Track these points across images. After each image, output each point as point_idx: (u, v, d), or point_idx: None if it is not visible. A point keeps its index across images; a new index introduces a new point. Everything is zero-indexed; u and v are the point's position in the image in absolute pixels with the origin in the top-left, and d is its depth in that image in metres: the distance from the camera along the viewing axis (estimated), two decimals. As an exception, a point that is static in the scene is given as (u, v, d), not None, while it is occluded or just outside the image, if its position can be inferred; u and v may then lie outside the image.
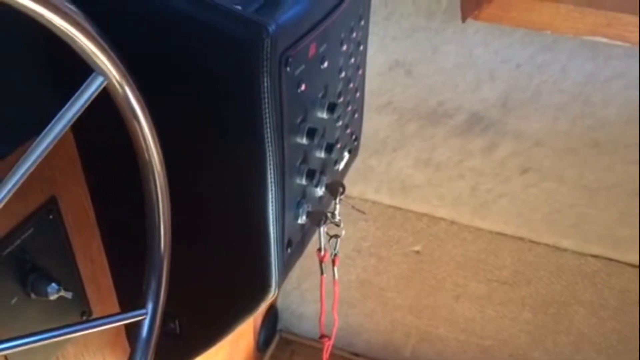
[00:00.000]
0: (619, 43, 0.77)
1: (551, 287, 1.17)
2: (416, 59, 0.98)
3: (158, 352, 0.55)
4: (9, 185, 0.38)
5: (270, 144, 0.51)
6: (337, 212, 0.70)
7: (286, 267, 0.63)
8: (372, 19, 0.74)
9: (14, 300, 0.56)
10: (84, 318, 0.67)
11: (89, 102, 0.40)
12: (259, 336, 1.34)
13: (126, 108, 0.43)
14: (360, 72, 0.74)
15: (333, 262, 0.74)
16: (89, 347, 0.70)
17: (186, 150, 0.54)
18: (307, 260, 0.72)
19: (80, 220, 0.64)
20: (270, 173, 0.53)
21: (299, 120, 0.56)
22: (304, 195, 0.63)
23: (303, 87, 0.54)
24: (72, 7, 0.36)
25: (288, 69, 0.50)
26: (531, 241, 1.13)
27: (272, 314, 1.40)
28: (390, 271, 1.29)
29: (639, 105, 0.90)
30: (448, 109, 1.02)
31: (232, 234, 0.59)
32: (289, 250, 0.62)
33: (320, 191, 0.65)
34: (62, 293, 0.59)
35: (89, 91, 0.40)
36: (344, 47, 0.64)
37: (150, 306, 0.53)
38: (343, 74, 0.66)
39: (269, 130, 0.50)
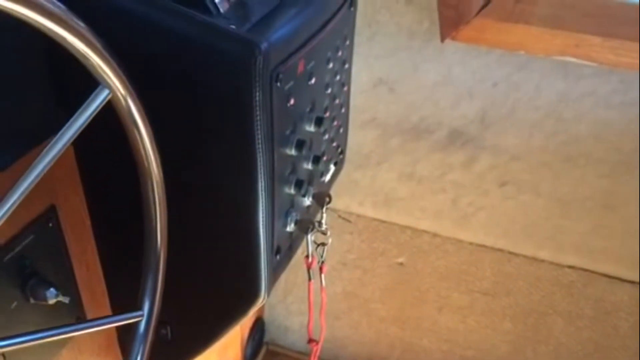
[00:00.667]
0: (587, 63, 0.82)
1: (530, 298, 1.21)
2: (399, 76, 1.02)
3: (150, 358, 0.57)
4: (15, 197, 0.40)
5: (261, 154, 0.54)
6: (323, 221, 0.73)
7: (275, 273, 0.66)
8: (356, 39, 0.78)
9: (13, 305, 0.59)
10: (79, 323, 0.69)
11: (94, 114, 0.43)
12: (246, 348, 1.36)
13: (128, 119, 0.46)
14: (345, 88, 0.78)
15: (320, 269, 0.77)
16: (83, 353, 0.72)
17: (181, 158, 0.57)
18: (292, 273, 0.75)
19: (78, 229, 0.66)
20: (261, 182, 0.56)
21: (288, 132, 0.59)
22: (292, 204, 0.66)
23: (292, 101, 0.58)
24: (81, 24, 0.40)
25: (278, 84, 0.53)
26: (510, 252, 1.16)
27: (258, 326, 1.42)
28: (375, 283, 1.32)
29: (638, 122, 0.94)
30: (429, 125, 1.06)
31: (223, 240, 0.62)
32: (277, 256, 0.65)
33: (307, 200, 0.68)
34: (60, 298, 0.61)
35: (95, 103, 0.43)
36: (330, 65, 0.68)
37: (146, 308, 0.55)
38: (329, 90, 0.70)
39: (260, 141, 0.54)
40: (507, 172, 1.07)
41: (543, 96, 0.97)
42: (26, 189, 0.40)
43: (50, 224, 0.62)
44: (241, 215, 0.59)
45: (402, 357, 1.42)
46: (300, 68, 0.58)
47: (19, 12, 0.35)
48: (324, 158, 0.72)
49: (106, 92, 0.43)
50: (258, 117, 0.52)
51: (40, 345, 0.47)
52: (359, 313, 1.38)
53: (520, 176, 1.06)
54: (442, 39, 0.90)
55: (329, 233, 0.74)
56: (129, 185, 0.51)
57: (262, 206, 0.58)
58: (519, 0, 0.90)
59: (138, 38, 0.52)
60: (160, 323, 0.58)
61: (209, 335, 0.71)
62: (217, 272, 0.65)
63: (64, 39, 0.39)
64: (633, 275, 1.10)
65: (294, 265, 0.73)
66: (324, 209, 0.73)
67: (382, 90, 1.05)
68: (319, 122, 0.64)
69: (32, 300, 0.60)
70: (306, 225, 0.69)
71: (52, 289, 0.60)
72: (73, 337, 0.67)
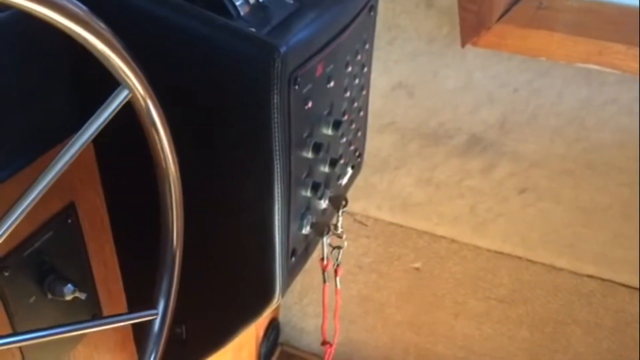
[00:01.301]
0: (610, 70, 0.81)
1: (548, 306, 1.19)
2: (418, 81, 1.02)
3: (164, 356, 0.58)
4: (34, 193, 0.41)
5: (278, 156, 0.55)
6: (339, 224, 0.73)
7: (290, 275, 0.66)
8: (376, 43, 0.78)
9: (32, 299, 0.60)
10: (96, 320, 0.70)
11: (114, 114, 0.44)
12: (260, 348, 1.36)
13: (147, 120, 0.47)
14: (364, 92, 0.78)
15: (335, 272, 0.77)
16: (99, 349, 0.73)
17: (199, 160, 0.57)
18: (308, 275, 0.75)
19: (96, 226, 0.67)
20: (278, 184, 0.56)
21: (305, 135, 0.59)
22: (308, 207, 0.66)
23: (310, 104, 0.58)
24: (103, 25, 0.40)
25: (296, 87, 0.53)
26: (528, 260, 1.15)
27: (273, 327, 1.43)
28: (391, 287, 1.31)
29: (638, 130, 0.93)
30: (448, 130, 1.05)
31: (239, 241, 0.62)
32: (293, 259, 0.65)
33: (324, 203, 0.68)
34: (77, 294, 0.62)
35: (115, 103, 0.44)
36: (349, 69, 0.68)
37: (161, 307, 0.56)
38: (348, 94, 0.70)
39: (277, 143, 0.54)
40: (527, 178, 1.06)
41: (565, 103, 0.95)
42: (46, 185, 0.41)
43: (69, 221, 0.63)
44: (257, 217, 0.59)
45: (416, 363, 1.41)
46: (319, 71, 0.58)
47: (42, 14, 0.36)
48: (341, 161, 0.72)
49: (126, 92, 0.44)
50: (275, 120, 0.52)
51: (56, 340, 0.48)
52: (374, 317, 1.38)
53: (540, 183, 1.05)
54: (463, 44, 0.90)
55: (344, 236, 0.73)
56: (148, 185, 0.52)
57: (278, 208, 0.58)
58: (541, 6, 0.89)
59: (157, 40, 0.53)
60: (175, 322, 0.58)
61: (223, 335, 0.71)
62: (232, 273, 0.66)
63: (86, 40, 0.39)
64: (654, 287, 1.08)
65: (311, 268, 0.73)
66: (340, 212, 0.73)
67: (401, 95, 1.05)
68: (336, 125, 0.64)
69: (49, 296, 0.61)
70: (322, 228, 0.68)
71: (69, 285, 0.61)
72: (89, 333, 0.68)
